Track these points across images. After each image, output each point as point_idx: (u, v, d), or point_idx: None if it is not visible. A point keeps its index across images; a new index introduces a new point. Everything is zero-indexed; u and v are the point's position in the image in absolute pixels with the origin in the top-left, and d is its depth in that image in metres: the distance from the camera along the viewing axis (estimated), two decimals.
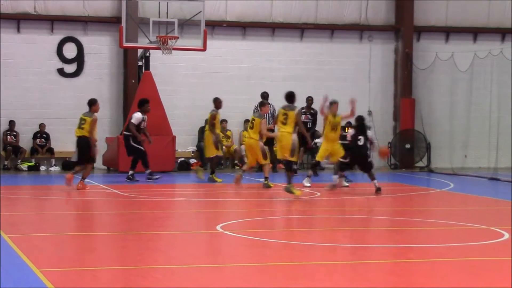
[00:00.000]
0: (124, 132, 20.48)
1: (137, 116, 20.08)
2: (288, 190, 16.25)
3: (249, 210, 15.69)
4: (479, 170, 23.50)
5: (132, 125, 20.00)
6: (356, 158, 18.04)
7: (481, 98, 24.47)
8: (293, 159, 16.91)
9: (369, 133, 18.57)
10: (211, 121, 19.85)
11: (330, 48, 25.78)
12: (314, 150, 21.93)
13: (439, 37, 26.42)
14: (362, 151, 17.96)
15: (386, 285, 8.78)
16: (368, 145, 18.10)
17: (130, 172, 20.15)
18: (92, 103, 18.54)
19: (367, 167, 17.95)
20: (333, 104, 18.71)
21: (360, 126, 18.17)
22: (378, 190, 17.45)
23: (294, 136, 16.80)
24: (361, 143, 17.91)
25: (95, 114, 18.44)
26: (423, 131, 25.52)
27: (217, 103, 20.20)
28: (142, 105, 20.35)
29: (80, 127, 18.26)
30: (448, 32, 26.45)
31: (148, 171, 20.12)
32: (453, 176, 22.65)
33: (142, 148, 20.05)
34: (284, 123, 16.91)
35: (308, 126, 22.91)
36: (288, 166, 16.80)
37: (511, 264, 9.41)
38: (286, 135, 16.75)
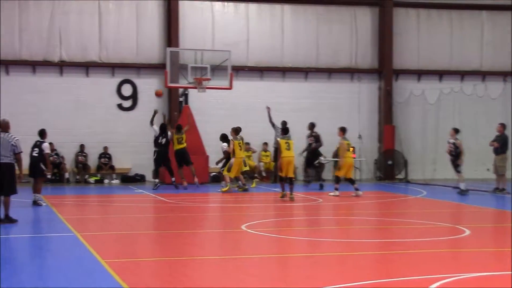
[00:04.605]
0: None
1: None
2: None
3: (268, 213, 15.60)
4: (445, 181, 23.32)
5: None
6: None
7: (446, 125, 24.17)
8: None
9: (44, 144, 15.54)
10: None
11: (328, 87, 25.71)
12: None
13: (413, 78, 26.30)
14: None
15: (374, 271, 8.71)
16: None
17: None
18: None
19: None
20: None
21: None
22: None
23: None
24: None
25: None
26: (401, 150, 25.37)
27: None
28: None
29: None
30: (419, 74, 26.33)
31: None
32: (425, 185, 22.48)
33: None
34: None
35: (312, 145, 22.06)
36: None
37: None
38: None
